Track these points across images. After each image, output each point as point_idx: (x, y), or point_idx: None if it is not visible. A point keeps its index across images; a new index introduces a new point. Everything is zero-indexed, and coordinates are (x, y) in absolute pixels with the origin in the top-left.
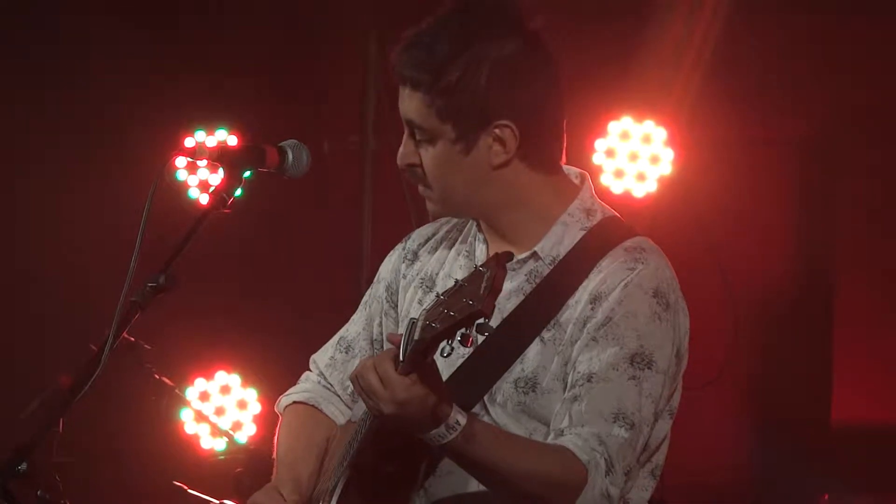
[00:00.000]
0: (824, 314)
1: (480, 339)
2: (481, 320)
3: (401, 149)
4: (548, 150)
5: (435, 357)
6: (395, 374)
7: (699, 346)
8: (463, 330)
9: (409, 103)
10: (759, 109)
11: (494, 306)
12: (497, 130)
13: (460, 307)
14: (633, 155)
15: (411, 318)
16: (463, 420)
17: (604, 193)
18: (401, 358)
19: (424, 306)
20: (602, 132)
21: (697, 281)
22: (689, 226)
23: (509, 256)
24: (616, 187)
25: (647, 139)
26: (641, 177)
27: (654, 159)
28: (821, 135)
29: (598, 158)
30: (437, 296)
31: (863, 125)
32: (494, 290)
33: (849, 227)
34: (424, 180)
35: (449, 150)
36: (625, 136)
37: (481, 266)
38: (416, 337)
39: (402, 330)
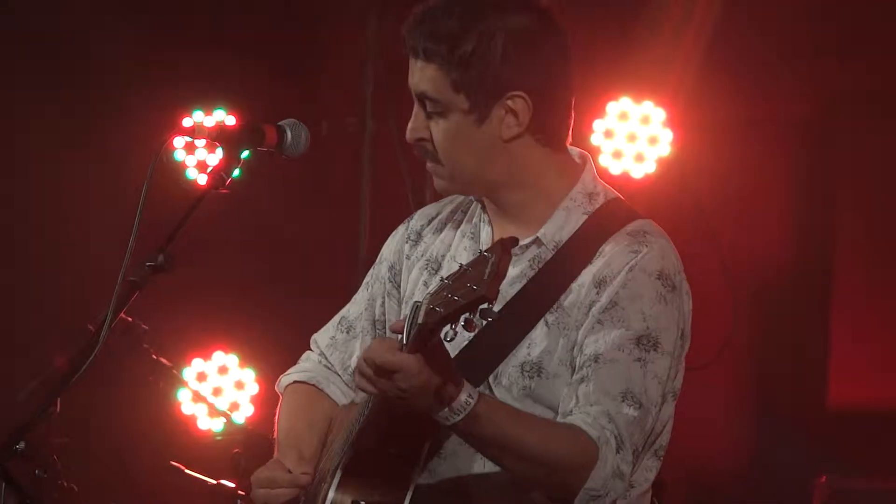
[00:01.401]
0: (822, 297)
1: (483, 323)
2: (485, 305)
3: (410, 123)
4: (557, 126)
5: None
6: (399, 355)
7: (696, 329)
8: (467, 315)
9: (423, 75)
10: (758, 90)
11: (499, 291)
12: (510, 101)
13: (464, 292)
14: (632, 136)
15: (415, 302)
16: (472, 400)
17: (602, 174)
18: (404, 340)
19: (428, 289)
20: (600, 113)
21: (695, 263)
22: (687, 207)
23: (514, 242)
24: (614, 168)
25: (645, 120)
26: (640, 158)
27: (653, 140)
28: (820, 116)
29: (596, 139)
30: (441, 279)
31: (863, 107)
32: (499, 275)
33: (847, 210)
34: (434, 155)
35: (462, 121)
36: (623, 116)
37: (486, 251)
38: (419, 321)
39: (405, 312)
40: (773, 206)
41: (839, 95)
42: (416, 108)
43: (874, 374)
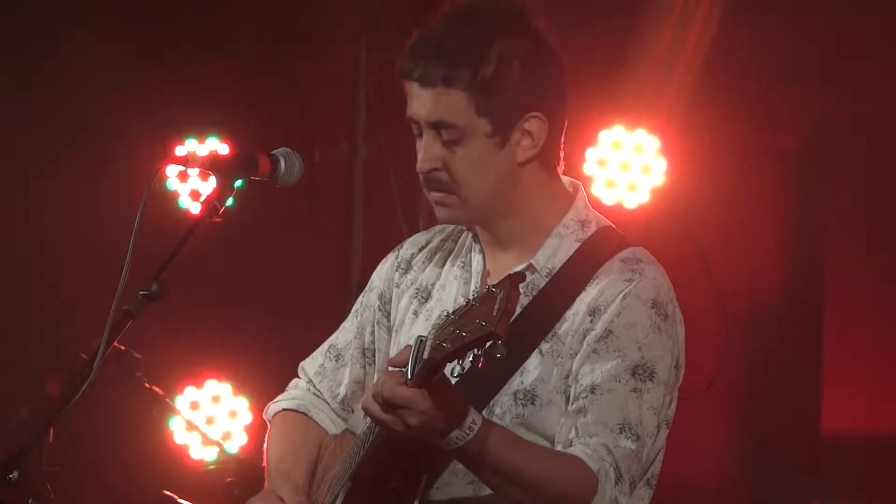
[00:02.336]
0: (814, 324)
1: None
2: (494, 342)
3: (423, 154)
4: (557, 149)
5: None
6: (406, 390)
7: (689, 356)
8: (475, 351)
9: (440, 102)
10: (751, 119)
11: (508, 328)
12: (526, 123)
13: (472, 328)
14: (625, 165)
15: (419, 336)
16: (475, 426)
17: (595, 204)
18: (409, 375)
19: (433, 324)
20: (593, 141)
21: (688, 291)
22: (680, 236)
23: (522, 277)
24: (607, 197)
25: (638, 149)
26: (633, 187)
27: (646, 169)
28: (812, 145)
29: (589, 168)
30: (448, 315)
31: (854, 135)
32: (508, 311)
33: (839, 238)
34: (448, 184)
35: (485, 145)
36: (616, 145)
37: (494, 287)
38: (425, 356)
39: (399, 345)
40: (765, 235)
41: (830, 123)
42: (428, 138)
43: (867, 400)
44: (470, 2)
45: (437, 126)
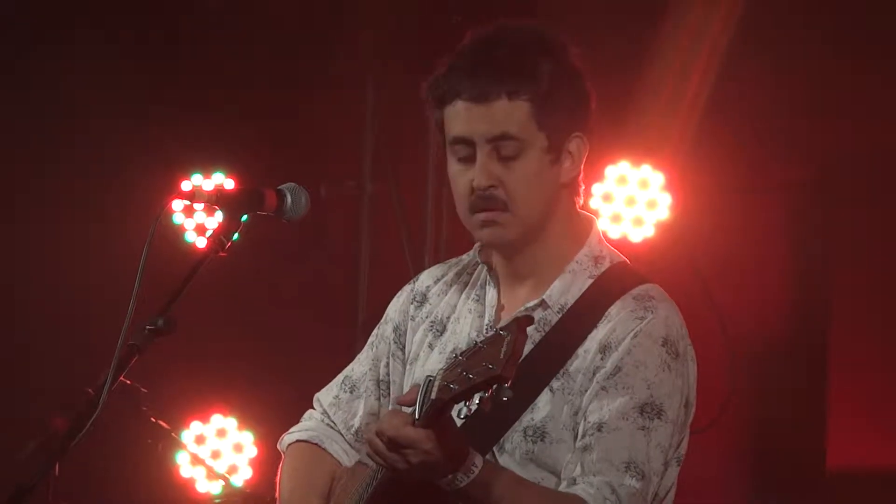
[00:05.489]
0: (820, 358)
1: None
2: (501, 385)
3: (481, 170)
4: (580, 176)
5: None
6: (411, 430)
7: (696, 391)
8: (482, 393)
9: (502, 115)
10: (756, 154)
11: (515, 371)
12: (570, 143)
13: (479, 370)
14: (631, 200)
15: (428, 376)
16: (476, 468)
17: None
18: (416, 416)
19: (441, 366)
20: (599, 176)
21: (694, 326)
22: (685, 270)
23: (530, 321)
24: (613, 232)
25: (644, 184)
26: (639, 221)
27: (652, 204)
28: (818, 180)
29: (595, 203)
30: (455, 356)
31: (859, 170)
32: (515, 354)
33: (845, 273)
34: (502, 201)
35: (541, 160)
36: (622, 180)
37: (501, 329)
38: (432, 396)
39: (415, 378)
40: (770, 269)
41: (835, 157)
42: (483, 155)
43: (873, 435)
44: (498, 29)
45: (497, 140)
